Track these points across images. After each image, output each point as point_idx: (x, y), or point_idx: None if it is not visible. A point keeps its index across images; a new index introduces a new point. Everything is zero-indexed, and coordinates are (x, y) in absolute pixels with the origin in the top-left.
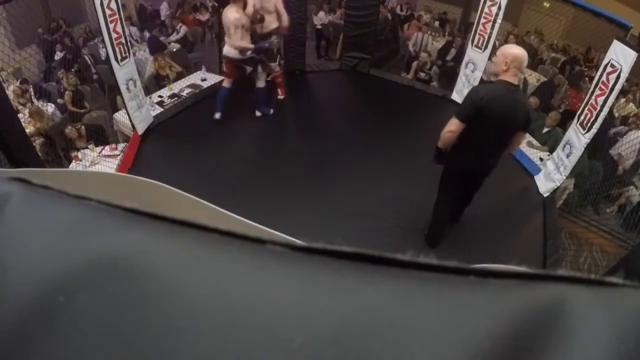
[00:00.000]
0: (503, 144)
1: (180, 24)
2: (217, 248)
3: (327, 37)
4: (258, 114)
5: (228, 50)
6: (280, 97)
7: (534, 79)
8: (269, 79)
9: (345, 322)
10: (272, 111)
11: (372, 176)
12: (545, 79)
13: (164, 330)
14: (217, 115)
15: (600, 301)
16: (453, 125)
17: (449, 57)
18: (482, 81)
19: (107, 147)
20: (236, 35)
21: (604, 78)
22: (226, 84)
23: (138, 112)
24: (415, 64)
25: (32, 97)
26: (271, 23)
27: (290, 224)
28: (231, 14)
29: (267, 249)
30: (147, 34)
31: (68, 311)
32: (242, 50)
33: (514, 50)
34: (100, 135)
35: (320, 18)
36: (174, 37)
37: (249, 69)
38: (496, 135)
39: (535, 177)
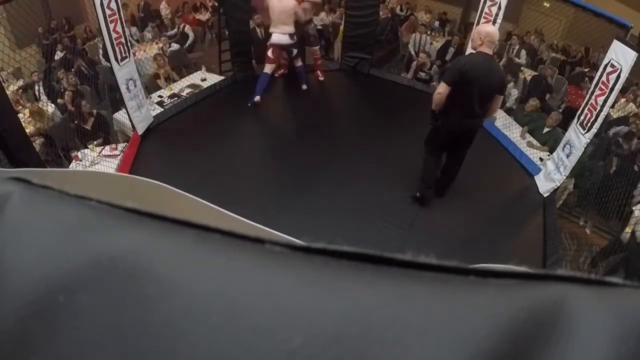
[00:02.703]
0: (484, 106)
1: (183, 24)
2: (217, 248)
3: (327, 37)
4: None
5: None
6: (321, 78)
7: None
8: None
9: (345, 322)
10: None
11: (372, 176)
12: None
13: (164, 330)
14: (257, 98)
15: (600, 301)
16: (441, 88)
17: (447, 57)
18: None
19: (107, 147)
20: None
21: (604, 78)
22: (267, 69)
23: (138, 112)
24: (414, 64)
25: (42, 94)
26: (310, 12)
27: (290, 224)
28: None
29: (266, 248)
30: (147, 34)
31: (68, 311)
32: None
33: (487, 29)
34: (105, 126)
35: (321, 19)
36: (172, 33)
37: (294, 51)
38: (477, 96)
39: (535, 177)
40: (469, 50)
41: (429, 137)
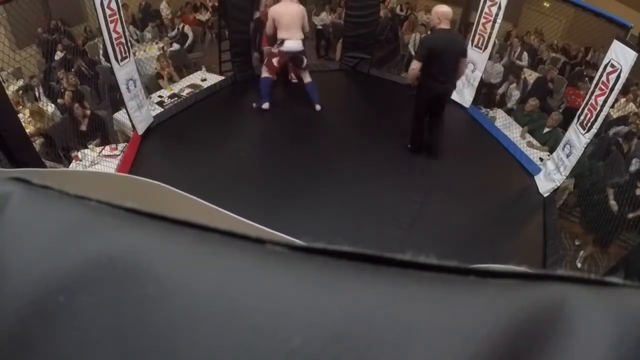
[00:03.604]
0: (453, 71)
1: (183, 25)
2: (217, 248)
3: (327, 37)
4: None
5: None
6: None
7: (534, 79)
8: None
9: (345, 322)
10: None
11: (372, 176)
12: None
13: (164, 330)
14: (266, 105)
15: (600, 301)
16: (414, 64)
17: None
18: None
19: (107, 147)
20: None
21: (604, 78)
22: (267, 74)
23: (138, 112)
24: None
25: (42, 95)
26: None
27: (290, 224)
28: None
29: (267, 249)
30: (147, 34)
31: (68, 311)
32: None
33: (441, 9)
34: (102, 126)
35: (322, 19)
36: (173, 34)
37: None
38: (446, 64)
39: (535, 177)
40: (469, 50)
41: (415, 104)
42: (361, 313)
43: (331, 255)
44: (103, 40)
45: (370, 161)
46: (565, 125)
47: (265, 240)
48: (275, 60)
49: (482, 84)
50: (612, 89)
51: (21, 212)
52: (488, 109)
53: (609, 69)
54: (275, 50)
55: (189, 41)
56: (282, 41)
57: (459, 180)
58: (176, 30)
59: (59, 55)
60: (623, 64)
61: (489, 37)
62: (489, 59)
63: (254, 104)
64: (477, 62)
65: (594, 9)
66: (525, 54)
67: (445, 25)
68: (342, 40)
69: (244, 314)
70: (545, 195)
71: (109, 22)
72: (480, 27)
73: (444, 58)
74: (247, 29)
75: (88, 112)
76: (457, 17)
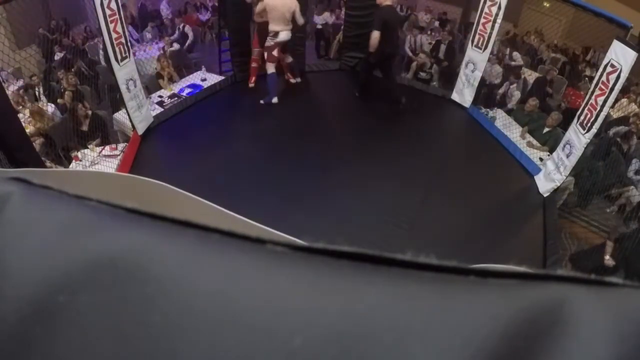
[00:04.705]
0: (397, 37)
1: (183, 25)
2: (217, 248)
3: (327, 37)
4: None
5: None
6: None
7: (533, 79)
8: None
9: (345, 322)
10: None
11: (372, 176)
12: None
13: (164, 330)
14: (275, 99)
15: (600, 301)
16: (375, 34)
17: (440, 55)
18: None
19: (107, 147)
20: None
21: (604, 78)
22: (272, 69)
23: (138, 112)
24: (414, 64)
25: (42, 94)
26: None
27: (290, 224)
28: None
29: (267, 248)
30: (147, 34)
31: (68, 311)
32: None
33: None
34: (102, 126)
35: (324, 18)
36: (175, 36)
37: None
38: (393, 33)
39: (535, 177)
40: (470, 50)
41: (367, 63)
42: (361, 313)
43: (332, 255)
44: (103, 40)
45: (371, 161)
46: (565, 125)
47: (266, 240)
48: (275, 52)
49: (482, 84)
50: (612, 89)
51: (21, 212)
52: (488, 109)
53: (609, 69)
54: (272, 43)
55: (189, 41)
56: (276, 33)
57: (459, 180)
58: (177, 31)
59: (58, 55)
60: (623, 64)
61: (489, 37)
62: (488, 60)
63: (262, 101)
64: (477, 62)
65: (594, 9)
66: (515, 54)
67: (389, 2)
68: (342, 40)
69: (244, 313)
70: (545, 195)
71: (109, 22)
72: (480, 27)
73: (392, 26)
74: (247, 29)
75: (89, 112)
76: (457, 17)
